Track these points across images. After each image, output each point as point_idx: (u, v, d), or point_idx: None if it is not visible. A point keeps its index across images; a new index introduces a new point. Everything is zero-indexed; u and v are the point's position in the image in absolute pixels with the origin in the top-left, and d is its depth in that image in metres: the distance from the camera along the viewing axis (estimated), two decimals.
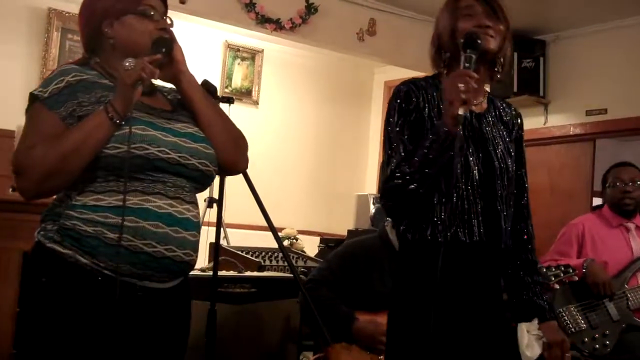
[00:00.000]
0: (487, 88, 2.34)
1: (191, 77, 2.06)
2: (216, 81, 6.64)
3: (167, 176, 1.91)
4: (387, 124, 2.19)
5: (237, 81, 6.93)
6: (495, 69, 2.22)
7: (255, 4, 5.52)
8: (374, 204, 5.59)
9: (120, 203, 1.83)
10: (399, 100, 2.17)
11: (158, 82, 2.08)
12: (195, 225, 1.96)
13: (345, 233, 5.80)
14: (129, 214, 1.83)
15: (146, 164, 1.86)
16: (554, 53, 6.40)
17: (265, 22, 5.58)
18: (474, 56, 2.03)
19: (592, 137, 6.12)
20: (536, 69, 6.33)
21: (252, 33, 6.28)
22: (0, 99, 5.72)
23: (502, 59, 2.21)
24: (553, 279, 3.64)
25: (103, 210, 1.85)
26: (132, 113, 1.86)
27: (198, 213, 2.01)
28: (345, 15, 6.00)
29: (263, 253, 4.61)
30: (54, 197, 1.95)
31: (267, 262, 4.49)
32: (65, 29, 6.07)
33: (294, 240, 5.72)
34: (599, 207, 4.21)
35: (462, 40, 2.08)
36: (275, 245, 5.00)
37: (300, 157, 7.22)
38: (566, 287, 3.80)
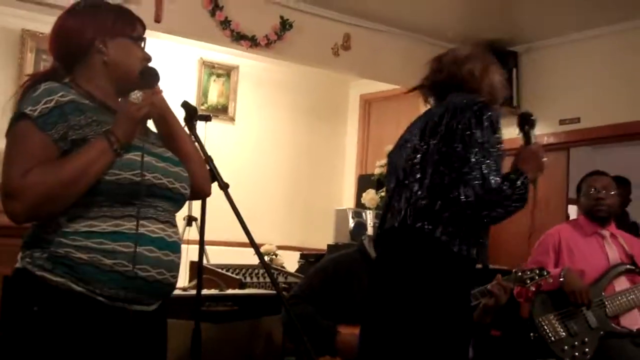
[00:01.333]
0: None
1: (173, 113, 2.10)
2: (192, 98, 6.66)
3: (157, 200, 1.93)
4: (486, 135, 2.41)
5: (213, 98, 6.94)
6: None
7: (230, 21, 5.53)
8: (352, 218, 5.62)
9: (115, 229, 1.84)
10: (495, 120, 2.45)
11: None
12: (179, 248, 1.99)
13: (324, 247, 5.81)
14: (124, 240, 1.84)
15: (143, 190, 1.88)
16: (526, 64, 6.48)
17: (240, 39, 5.60)
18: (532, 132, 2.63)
19: (566, 146, 6.20)
20: (509, 80, 6.37)
21: (228, 50, 6.30)
22: None
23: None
24: (528, 282, 3.68)
25: (97, 236, 1.84)
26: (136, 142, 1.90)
27: (180, 236, 2.04)
28: (320, 31, 6.04)
29: (244, 270, 4.61)
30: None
31: (248, 279, 4.49)
32: (40, 49, 6.02)
33: (274, 256, 5.73)
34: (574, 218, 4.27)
35: (519, 120, 2.68)
36: (255, 261, 5.03)
37: (277, 172, 7.24)
38: (545, 296, 3.85)
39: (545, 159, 2.52)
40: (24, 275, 1.87)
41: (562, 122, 6.13)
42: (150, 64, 2.05)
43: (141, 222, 1.87)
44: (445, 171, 2.39)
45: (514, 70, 6.41)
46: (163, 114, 2.06)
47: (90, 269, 1.83)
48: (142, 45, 2.06)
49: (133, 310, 1.90)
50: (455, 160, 2.38)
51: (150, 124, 2.10)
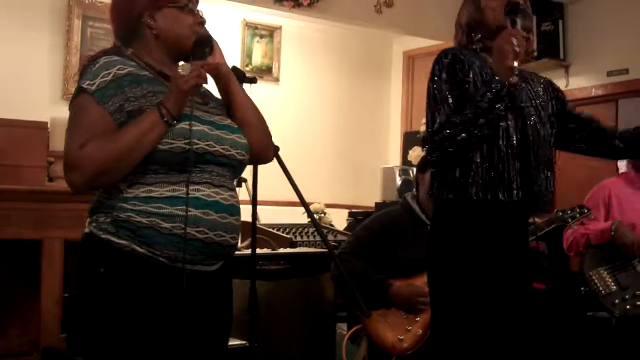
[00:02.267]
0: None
1: (231, 74, 2.13)
2: (236, 60, 6.70)
3: (212, 167, 1.97)
4: (433, 82, 2.33)
5: (257, 59, 6.97)
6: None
7: None
8: (400, 176, 5.64)
9: (173, 194, 1.90)
10: (446, 61, 2.32)
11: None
12: (238, 211, 2.04)
13: (372, 205, 5.86)
14: (180, 204, 1.89)
15: (196, 157, 1.92)
16: (572, 15, 6.37)
17: None
18: (518, 19, 2.24)
19: (615, 98, 6.10)
20: (555, 32, 6.30)
21: (270, 10, 6.31)
22: (27, 91, 5.81)
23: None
24: (570, 220, 3.69)
25: (155, 201, 1.90)
26: (187, 111, 1.93)
27: (238, 199, 2.08)
28: None
29: (294, 229, 4.69)
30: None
31: (299, 238, 4.57)
32: (86, 16, 6.12)
33: (322, 215, 5.80)
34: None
35: (507, 8, 2.29)
36: (304, 220, 5.12)
37: (323, 131, 7.27)
38: (595, 250, 3.84)
39: (515, 40, 2.18)
40: (91, 239, 1.95)
41: (609, 73, 6.03)
42: (204, 28, 2.07)
43: (196, 187, 1.93)
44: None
45: (560, 22, 6.30)
46: (221, 82, 2.11)
47: (150, 232, 1.90)
48: (191, 9, 2.07)
49: (193, 270, 1.96)
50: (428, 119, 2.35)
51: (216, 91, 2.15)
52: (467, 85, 2.29)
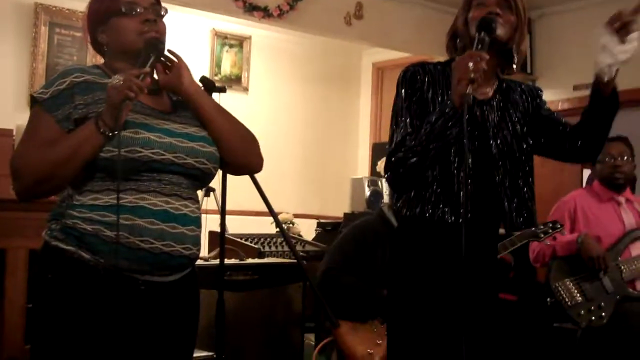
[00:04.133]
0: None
1: (195, 87, 2.09)
2: (206, 69, 6.68)
3: (162, 175, 1.95)
4: (394, 101, 2.31)
5: (227, 68, 6.95)
6: (509, 64, 2.33)
7: None
8: (368, 186, 5.65)
9: (115, 202, 1.88)
10: (405, 80, 2.29)
11: None
12: (193, 220, 2.00)
13: (341, 215, 5.86)
14: (124, 212, 1.88)
15: (140, 165, 1.91)
16: (539, 30, 6.46)
17: (253, 9, 5.59)
18: (487, 39, 2.14)
19: (580, 112, 6.17)
20: None
21: (240, 20, 6.29)
22: None
23: (515, 53, 2.31)
24: (542, 235, 3.72)
25: (100, 209, 1.90)
26: (139, 119, 1.92)
27: (197, 208, 2.04)
28: (332, 0, 6.02)
29: (262, 239, 4.67)
30: (58, 197, 2.00)
31: (267, 248, 4.55)
32: (53, 23, 6.07)
33: (291, 225, 5.78)
34: (588, 181, 4.29)
35: (476, 24, 2.18)
36: (272, 230, 5.10)
37: (292, 141, 7.27)
38: (561, 261, 3.88)
39: (471, 65, 2.03)
40: (44, 246, 1.97)
41: (576, 87, 6.12)
42: (156, 32, 2.02)
43: (142, 195, 1.91)
44: None
45: (528, 37, 6.38)
46: (182, 97, 2.08)
47: (94, 240, 1.89)
48: (136, 12, 2.02)
49: (146, 280, 1.94)
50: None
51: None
52: (426, 104, 2.25)
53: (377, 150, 6.49)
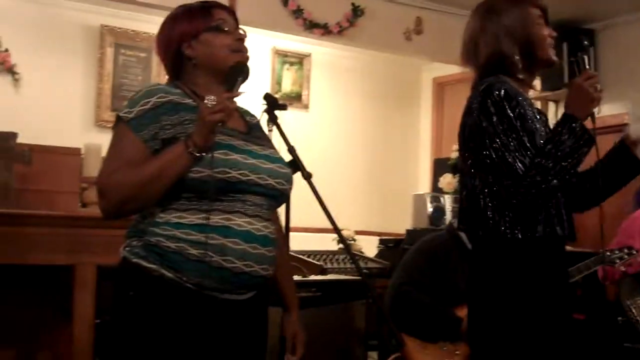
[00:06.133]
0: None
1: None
2: (266, 87, 6.73)
3: (247, 196, 1.96)
4: (490, 121, 2.22)
5: (287, 86, 7.00)
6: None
7: (303, 10, 5.59)
8: (431, 203, 5.61)
9: (203, 221, 1.90)
10: (505, 99, 2.22)
11: None
12: (271, 241, 2.02)
13: (403, 232, 5.82)
14: (210, 232, 1.90)
15: (227, 186, 1.92)
16: (603, 42, 6.33)
17: (313, 27, 5.65)
18: (586, 57, 2.24)
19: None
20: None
21: (300, 38, 6.35)
22: (61, 118, 5.90)
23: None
24: (618, 261, 3.63)
25: (185, 227, 1.91)
26: (225, 140, 1.93)
27: (275, 229, 2.07)
28: (392, 16, 6.03)
29: (324, 256, 4.67)
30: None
31: (329, 265, 4.55)
32: (119, 44, 6.22)
33: (352, 241, 5.77)
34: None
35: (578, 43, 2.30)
36: (334, 247, 5.10)
37: (352, 158, 7.27)
38: (631, 279, 3.78)
39: (597, 87, 2.17)
40: (124, 263, 1.98)
41: None
42: (245, 55, 2.06)
43: (227, 215, 1.93)
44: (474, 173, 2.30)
45: (591, 49, 6.26)
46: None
47: (177, 258, 1.91)
48: (228, 29, 2.06)
49: (224, 299, 1.96)
50: (474, 158, 2.27)
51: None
52: (527, 122, 2.23)
53: (438, 166, 6.45)
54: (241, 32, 2.10)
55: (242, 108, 2.18)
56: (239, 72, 2.00)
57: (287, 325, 2.27)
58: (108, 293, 2.04)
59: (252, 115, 2.21)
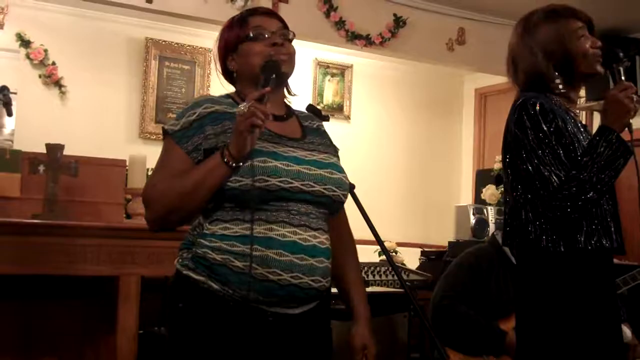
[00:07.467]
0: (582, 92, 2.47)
1: None
2: (308, 99, 6.76)
3: (292, 204, 1.92)
4: (526, 136, 2.22)
5: (329, 97, 7.02)
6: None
7: (345, 21, 5.60)
8: (474, 214, 5.56)
9: (246, 232, 1.88)
10: (541, 113, 2.23)
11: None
12: (322, 252, 1.95)
13: (445, 244, 5.78)
14: (254, 243, 1.87)
15: (267, 195, 1.88)
16: None
17: (355, 38, 5.66)
18: (621, 68, 2.27)
19: None
20: (632, 68, 6.16)
21: (341, 49, 6.36)
22: (106, 129, 5.99)
23: None
24: None
25: (230, 239, 1.90)
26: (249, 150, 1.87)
27: (327, 239, 1.99)
28: (434, 26, 6.01)
29: (365, 268, 4.64)
30: (189, 225, 2.02)
31: (371, 277, 4.52)
32: (163, 57, 6.31)
33: (394, 253, 5.74)
34: None
35: (606, 55, 2.32)
36: (376, 259, 5.07)
37: (394, 169, 7.25)
38: None
39: (632, 98, 2.18)
40: (176, 274, 1.99)
41: None
42: (276, 57, 2.00)
43: (270, 225, 1.89)
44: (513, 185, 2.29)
45: (637, 58, 6.16)
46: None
47: (223, 270, 1.89)
48: (265, 33, 2.03)
49: (274, 312, 1.91)
50: (513, 172, 2.28)
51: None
52: (565, 136, 2.22)
53: (481, 178, 6.39)
54: (281, 35, 2.05)
55: (302, 112, 2.17)
56: (269, 69, 1.96)
57: (356, 336, 2.23)
58: (152, 305, 2.05)
59: (313, 120, 2.17)
